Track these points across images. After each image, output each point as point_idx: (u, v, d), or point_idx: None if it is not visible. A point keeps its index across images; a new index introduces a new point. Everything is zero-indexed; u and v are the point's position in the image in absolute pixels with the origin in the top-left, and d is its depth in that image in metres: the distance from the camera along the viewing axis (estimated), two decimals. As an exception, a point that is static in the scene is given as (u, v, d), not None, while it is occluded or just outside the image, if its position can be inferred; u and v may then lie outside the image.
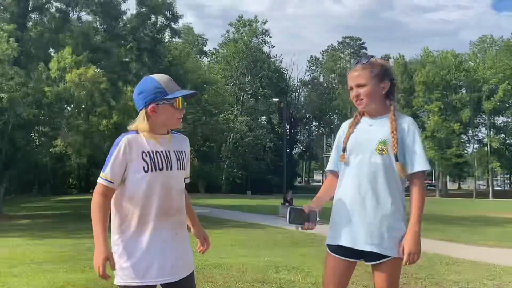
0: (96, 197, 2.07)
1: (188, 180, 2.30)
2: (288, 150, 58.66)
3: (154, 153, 2.10)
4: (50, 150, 19.30)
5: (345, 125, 2.46)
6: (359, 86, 2.30)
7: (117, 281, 2.09)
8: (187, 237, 2.24)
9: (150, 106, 2.10)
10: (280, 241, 9.88)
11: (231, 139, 50.79)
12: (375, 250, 2.21)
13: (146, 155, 2.08)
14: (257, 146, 51.84)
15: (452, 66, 53.56)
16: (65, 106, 18.56)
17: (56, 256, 7.74)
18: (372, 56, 2.37)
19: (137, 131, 2.12)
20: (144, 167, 2.07)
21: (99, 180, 2.07)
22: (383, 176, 2.23)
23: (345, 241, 2.26)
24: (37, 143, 19.42)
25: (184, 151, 2.24)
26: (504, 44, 55.26)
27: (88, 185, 48.34)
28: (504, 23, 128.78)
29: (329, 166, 2.48)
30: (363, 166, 2.26)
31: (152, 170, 2.07)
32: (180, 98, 2.13)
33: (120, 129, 44.04)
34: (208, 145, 46.98)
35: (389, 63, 2.44)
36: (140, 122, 2.13)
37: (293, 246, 9.07)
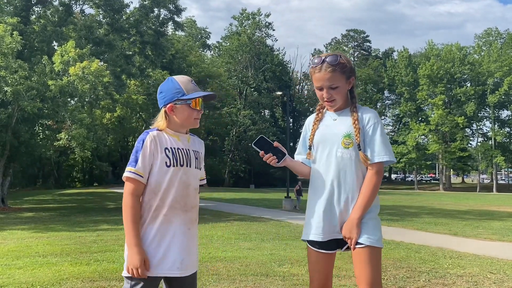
0: (128, 199, 2.11)
1: (204, 182, 2.38)
2: (291, 144, 58.66)
3: (176, 150, 2.19)
4: (54, 143, 19.36)
5: (309, 122, 2.50)
6: (332, 88, 2.32)
7: (125, 272, 2.12)
8: (197, 236, 2.29)
9: (168, 106, 2.20)
10: (284, 235, 9.90)
11: (234, 133, 50.84)
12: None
13: (169, 151, 2.17)
14: (260, 139, 51.81)
15: (457, 59, 53.26)
16: (69, 99, 18.53)
17: (60, 248, 7.79)
18: (340, 56, 2.35)
19: (158, 129, 2.21)
20: (166, 162, 2.15)
21: (129, 175, 2.11)
22: (351, 168, 2.28)
23: (318, 236, 2.32)
24: (41, 136, 19.44)
25: (201, 152, 2.33)
26: (509, 37, 54.83)
27: (91, 178, 48.63)
28: (510, 16, 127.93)
29: (296, 157, 2.52)
30: (330, 160, 2.32)
31: (174, 165, 2.16)
32: (199, 99, 2.22)
33: (123, 122, 44.15)
34: (211, 139, 47.06)
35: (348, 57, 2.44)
36: (159, 120, 2.23)
37: (296, 239, 9.08)
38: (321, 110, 2.46)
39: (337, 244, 2.34)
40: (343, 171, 2.29)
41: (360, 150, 2.28)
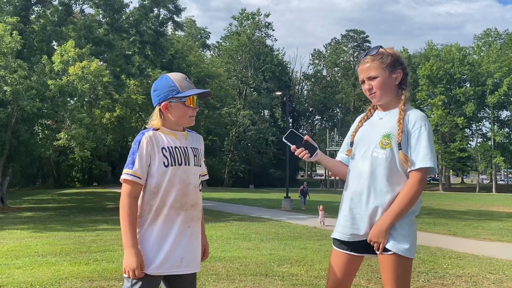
0: (125, 200, 2.10)
1: (206, 177, 2.36)
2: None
3: (173, 149, 2.17)
4: (54, 143, 19.34)
5: (357, 119, 2.44)
6: (370, 78, 2.24)
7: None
8: (199, 234, 2.27)
9: (163, 104, 2.17)
10: (283, 235, 9.90)
11: (233, 133, 50.81)
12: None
13: (166, 151, 2.15)
14: (260, 139, 51.84)
15: (456, 60, 53.28)
16: (68, 99, 18.51)
17: (60, 248, 7.78)
18: (381, 46, 2.29)
19: (154, 128, 2.19)
20: (164, 162, 2.13)
21: (126, 177, 2.10)
22: (385, 170, 2.17)
23: (343, 235, 2.26)
24: (40, 136, 19.43)
25: (199, 149, 2.31)
26: (509, 38, 54.90)
27: (91, 178, 48.55)
28: (509, 16, 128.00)
29: (338, 156, 2.48)
30: (365, 160, 2.23)
31: (172, 165, 2.14)
32: (193, 96, 2.19)
33: (123, 122, 44.11)
34: (210, 139, 47.00)
35: (399, 52, 2.34)
36: (154, 118, 2.20)
37: (295, 239, 9.08)
38: (371, 109, 2.38)
39: (364, 248, 2.24)
40: (376, 172, 2.18)
41: (400, 149, 2.14)
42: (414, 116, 2.19)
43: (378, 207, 2.17)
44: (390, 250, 2.12)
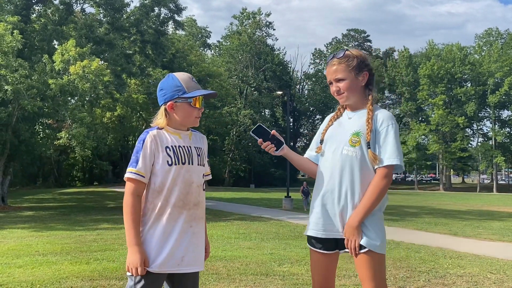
0: (129, 199, 2.10)
1: (209, 177, 2.36)
2: (292, 144, 58.64)
3: (177, 148, 2.18)
4: (54, 142, 19.36)
5: (327, 118, 2.51)
6: (337, 80, 2.33)
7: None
8: (203, 233, 2.27)
9: (168, 103, 2.18)
10: (284, 234, 9.89)
11: (234, 132, 50.80)
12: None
13: (170, 150, 2.16)
14: (261, 139, 51.77)
15: (457, 60, 53.22)
16: (69, 98, 18.51)
17: (60, 247, 7.79)
18: (347, 49, 2.38)
19: (158, 127, 2.20)
20: (168, 161, 2.14)
21: (130, 176, 2.11)
22: (355, 167, 2.24)
23: (317, 232, 2.31)
24: (41, 135, 19.43)
25: (203, 148, 2.31)
26: (510, 37, 54.84)
27: (91, 177, 48.61)
28: (510, 16, 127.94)
29: (306, 154, 2.53)
30: (335, 157, 2.29)
31: (176, 164, 2.15)
32: (199, 97, 2.19)
33: (123, 121, 44.12)
34: (211, 138, 46.99)
35: (365, 53, 2.43)
36: (159, 118, 2.21)
37: (296, 239, 9.08)
38: (341, 108, 2.45)
39: (337, 244, 2.30)
40: (347, 169, 2.25)
41: (369, 148, 2.23)
42: (382, 115, 2.28)
43: (349, 204, 2.24)
44: (365, 248, 2.19)
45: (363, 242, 2.19)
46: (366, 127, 2.25)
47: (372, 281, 2.18)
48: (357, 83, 2.32)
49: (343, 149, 2.27)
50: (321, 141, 2.41)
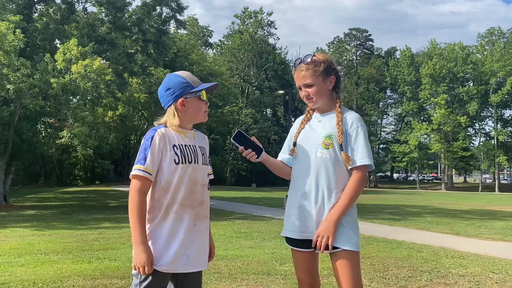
0: (135, 197, 2.09)
1: (211, 177, 2.38)
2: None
3: (184, 147, 2.19)
4: (56, 141, 19.39)
5: (298, 121, 2.55)
6: (306, 86, 2.37)
7: (133, 270, 2.13)
8: (207, 233, 2.27)
9: (179, 101, 2.18)
10: (285, 233, 9.88)
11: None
12: None
13: (177, 148, 2.17)
14: (262, 138, 51.77)
15: (459, 59, 53.10)
16: (71, 97, 18.53)
17: (62, 246, 7.80)
18: (313, 55, 2.41)
19: (165, 126, 2.20)
20: (175, 160, 2.15)
21: (137, 173, 2.10)
22: (329, 169, 2.30)
23: (293, 233, 2.35)
24: (43, 134, 19.46)
25: (206, 148, 2.34)
26: (512, 37, 54.62)
27: (93, 177, 48.65)
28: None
29: (279, 157, 2.56)
30: (310, 159, 2.34)
31: (182, 163, 2.16)
32: (203, 91, 2.22)
33: (125, 120, 44.10)
34: (213, 137, 47.00)
35: (330, 57, 2.48)
36: (171, 117, 2.20)
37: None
38: (310, 111, 2.50)
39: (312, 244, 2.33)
40: (321, 171, 2.30)
41: (342, 150, 2.30)
42: (351, 117, 2.36)
43: (325, 205, 2.29)
44: (341, 247, 2.24)
45: (341, 242, 2.24)
46: (337, 130, 2.32)
47: (352, 277, 2.23)
48: (325, 87, 2.38)
49: (317, 152, 2.33)
50: (294, 144, 2.45)
